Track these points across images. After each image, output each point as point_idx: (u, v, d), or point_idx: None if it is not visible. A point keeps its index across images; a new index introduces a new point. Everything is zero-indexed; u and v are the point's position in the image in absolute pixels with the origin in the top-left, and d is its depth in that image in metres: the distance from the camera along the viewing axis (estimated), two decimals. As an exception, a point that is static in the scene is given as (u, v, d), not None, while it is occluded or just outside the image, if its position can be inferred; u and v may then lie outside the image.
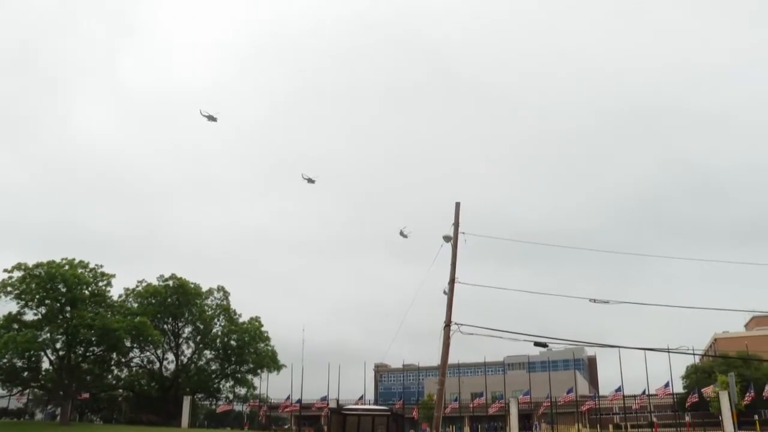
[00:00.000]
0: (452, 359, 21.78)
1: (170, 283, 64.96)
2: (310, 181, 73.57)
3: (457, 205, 21.61)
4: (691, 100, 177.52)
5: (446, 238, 20.47)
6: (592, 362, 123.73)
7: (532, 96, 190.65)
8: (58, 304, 50.76)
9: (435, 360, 20.91)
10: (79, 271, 52.13)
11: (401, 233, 61.64)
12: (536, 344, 19.88)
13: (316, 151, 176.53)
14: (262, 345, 66.40)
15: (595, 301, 20.41)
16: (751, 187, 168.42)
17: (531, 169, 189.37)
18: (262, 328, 66.99)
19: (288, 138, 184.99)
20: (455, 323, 19.31)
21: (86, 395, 63.92)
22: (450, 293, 19.96)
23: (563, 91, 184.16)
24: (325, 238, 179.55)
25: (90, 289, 52.75)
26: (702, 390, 59.69)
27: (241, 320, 67.26)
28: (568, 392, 66.92)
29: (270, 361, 65.58)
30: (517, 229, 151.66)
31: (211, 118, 66.27)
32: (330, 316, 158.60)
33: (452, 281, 20.12)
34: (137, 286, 64.89)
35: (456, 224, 20.95)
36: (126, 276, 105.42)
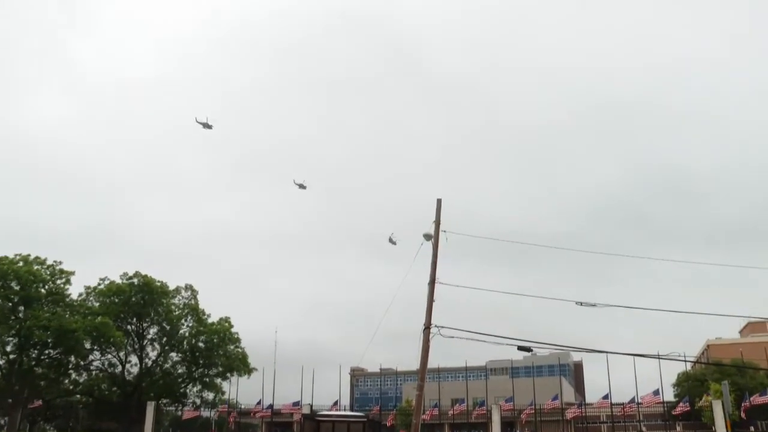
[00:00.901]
0: (432, 363, 22.01)
1: (135, 281, 64.28)
2: (302, 186, 75.97)
3: (439, 201, 21.82)
4: (670, 96, 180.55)
5: (427, 237, 20.68)
6: (578, 368, 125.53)
7: (509, 91, 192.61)
8: (10, 304, 49.90)
9: (414, 364, 21.13)
10: (35, 267, 51.35)
11: (390, 240, 62.01)
12: (520, 348, 20.14)
13: (285, 143, 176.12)
14: (232, 347, 66.16)
15: (581, 304, 20.70)
16: (732, 187, 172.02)
17: (506, 166, 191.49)
18: (232, 329, 66.75)
19: (255, 129, 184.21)
20: (435, 326, 19.53)
21: (39, 402, 62.93)
22: (430, 294, 20.16)
23: (540, 86, 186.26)
24: (297, 234, 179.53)
25: (47, 287, 51.97)
26: (694, 399, 59.93)
27: (209, 321, 66.87)
28: (553, 399, 67.84)
29: (240, 364, 65.39)
30: (493, 230, 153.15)
31: (207, 126, 68.77)
32: (303, 317, 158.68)
33: (432, 282, 20.32)
34: (99, 284, 64.09)
35: (437, 222, 21.15)
36: (87, 274, 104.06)
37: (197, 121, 68.84)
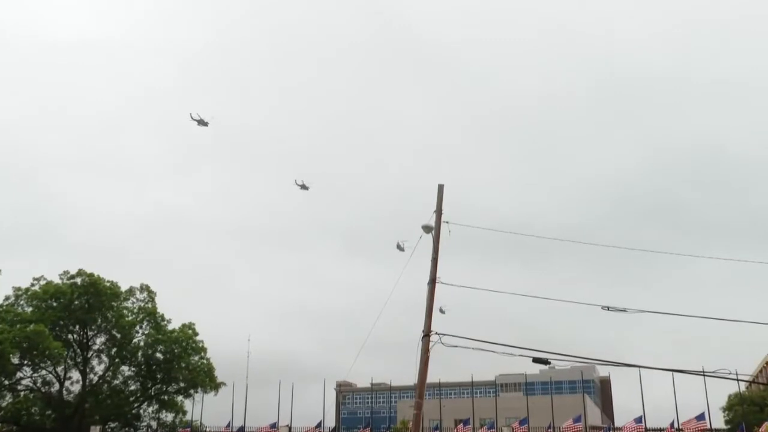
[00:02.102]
0: (432, 377, 22.35)
1: (78, 280, 64.20)
2: (303, 187, 78.34)
3: (440, 188, 22.01)
4: (701, 66, 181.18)
5: (426, 229, 20.91)
6: (605, 384, 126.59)
7: (513, 65, 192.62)
8: None
9: (410, 378, 21.41)
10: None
11: (398, 247, 62.98)
12: (536, 360, 20.44)
13: (253, 122, 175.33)
14: (196, 358, 66.47)
15: (609, 308, 20.87)
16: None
17: (509, 152, 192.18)
18: (197, 338, 67.03)
19: (218, 105, 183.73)
20: (436, 333, 19.77)
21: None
22: (430, 296, 20.40)
23: (545, 60, 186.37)
24: (267, 227, 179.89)
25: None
26: (751, 426, 58.31)
27: (169, 327, 67.11)
28: (576, 421, 68.46)
29: (206, 379, 65.70)
30: (495, 224, 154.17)
31: (202, 123, 70.56)
32: (278, 323, 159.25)
33: (433, 281, 20.55)
34: (33, 285, 63.96)
35: (438, 211, 21.35)
36: (16, 273, 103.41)
37: (192, 118, 70.15)
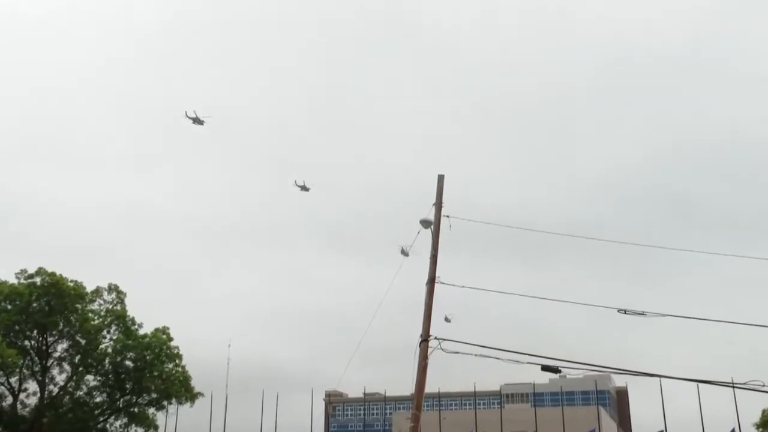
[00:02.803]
0: (431, 386, 22.49)
1: (37, 280, 63.87)
2: (304, 188, 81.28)
3: (440, 178, 22.11)
4: (725, 48, 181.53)
5: (425, 223, 21.02)
6: (621, 395, 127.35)
7: (516, 51, 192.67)
8: None
9: (407, 387, 21.52)
10: None
11: (403, 252, 63.84)
12: (545, 369, 20.54)
13: (228, 108, 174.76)
14: (171, 366, 66.42)
15: (626, 311, 21.02)
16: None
17: (512, 143, 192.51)
18: (171, 343, 66.98)
19: (184, 87, 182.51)
20: (435, 338, 19.89)
21: None
22: (428, 297, 20.51)
23: (547, 47, 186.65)
24: (248, 223, 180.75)
25: None
26: None
27: (141, 332, 67.05)
28: (589, 435, 69.00)
29: (181, 389, 65.68)
30: (498, 218, 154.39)
31: (198, 121, 71.97)
32: (261, 327, 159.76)
33: (432, 280, 20.66)
34: (-18, 286, 63.80)
35: (438, 204, 21.45)
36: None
37: (186, 116, 71.46)
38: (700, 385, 46.08)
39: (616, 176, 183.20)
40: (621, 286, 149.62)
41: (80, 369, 66.19)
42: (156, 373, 65.52)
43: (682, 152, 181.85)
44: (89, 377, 66.62)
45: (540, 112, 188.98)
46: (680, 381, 21.44)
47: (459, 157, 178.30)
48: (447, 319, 77.43)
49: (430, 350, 20.06)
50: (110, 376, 66.02)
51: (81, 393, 66.65)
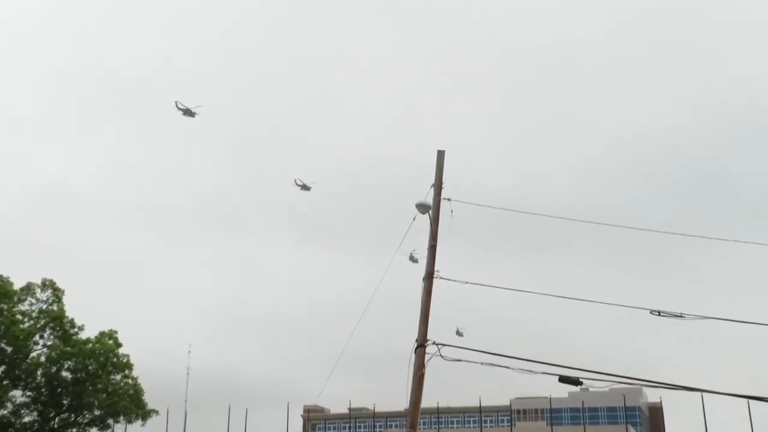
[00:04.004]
0: (428, 400, 22.63)
1: (-50, 275, 64.04)
2: (305, 188, 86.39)
3: (440, 155, 22.18)
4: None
5: (422, 208, 21.08)
6: (654, 412, 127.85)
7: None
8: None
9: (399, 402, 21.65)
10: None
11: (411, 258, 64.21)
12: (563, 380, 20.68)
13: (169, 71, 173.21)
14: (119, 377, 66.54)
15: (659, 313, 21.18)
16: None
17: (513, 112, 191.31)
18: (120, 350, 67.05)
19: (115, 50, 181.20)
20: (433, 342, 20.00)
21: None
22: (426, 295, 20.61)
23: None
24: (199, 207, 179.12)
25: None
26: None
27: (82, 336, 67.05)
28: (615, 457, 69.58)
29: (131, 405, 65.83)
30: (497, 202, 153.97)
31: (188, 113, 74.27)
32: (225, 331, 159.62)
33: (430, 276, 20.75)
34: None
35: (438, 186, 21.53)
36: None
37: (177, 107, 73.77)
38: (750, 401, 46.08)
39: (639, 151, 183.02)
40: (648, 282, 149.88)
41: (5, 383, 65.65)
42: (100, 386, 65.53)
43: (719, 122, 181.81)
44: (16, 392, 66.16)
45: (543, 76, 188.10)
46: (726, 396, 21.32)
47: (447, 127, 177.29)
48: (459, 333, 78.14)
49: (427, 357, 20.17)
50: (43, 390, 65.81)
51: (5, 412, 65.99)
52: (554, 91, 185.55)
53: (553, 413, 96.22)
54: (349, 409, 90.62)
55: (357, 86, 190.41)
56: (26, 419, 66.38)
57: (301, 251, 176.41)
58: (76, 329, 67.25)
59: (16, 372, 65.46)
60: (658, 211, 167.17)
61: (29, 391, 66.14)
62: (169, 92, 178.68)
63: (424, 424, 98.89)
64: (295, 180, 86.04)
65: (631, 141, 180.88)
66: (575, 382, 20.65)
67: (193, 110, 74.34)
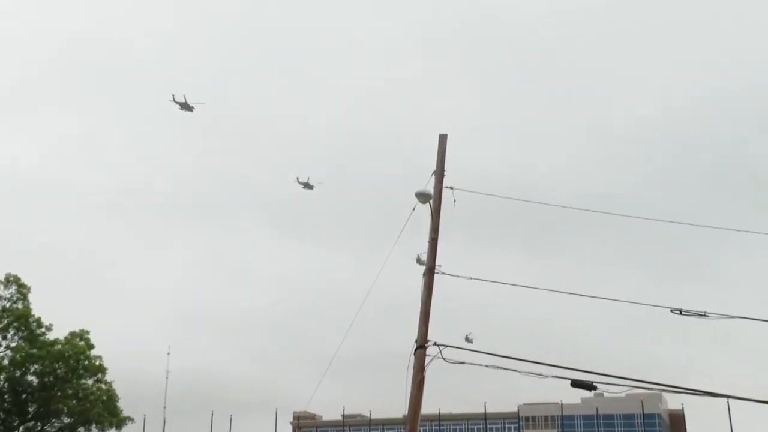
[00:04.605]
0: (429, 406, 22.68)
1: None
2: (307, 186, 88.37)
3: (442, 139, 22.27)
4: None
5: (422, 197, 21.07)
6: (676, 421, 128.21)
7: None
8: None
9: (398, 408, 21.74)
10: None
11: (418, 261, 64.72)
12: (576, 384, 20.72)
13: (131, 40, 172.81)
14: (91, 382, 66.56)
15: (681, 312, 21.15)
16: None
17: (512, 89, 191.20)
18: (92, 352, 67.00)
19: (79, 24, 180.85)
20: (435, 344, 20.04)
21: None
22: (426, 291, 20.63)
23: None
24: (171, 195, 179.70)
25: None
26: None
27: (50, 337, 66.98)
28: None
29: (104, 412, 65.85)
30: (495, 190, 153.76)
31: (186, 107, 75.97)
32: (206, 332, 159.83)
33: (431, 271, 20.79)
34: None
35: (439, 173, 21.53)
36: None
37: (174, 101, 74.81)
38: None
39: (650, 134, 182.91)
40: (663, 278, 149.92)
41: (-38, 389, 65.91)
42: (70, 392, 65.53)
43: (737, 103, 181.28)
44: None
45: (546, 50, 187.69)
46: (754, 403, 21.25)
47: (437, 107, 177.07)
48: (468, 339, 78.22)
49: (428, 359, 20.22)
50: (6, 396, 65.75)
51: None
52: (556, 70, 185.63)
53: (564, 420, 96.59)
54: (343, 416, 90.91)
55: (344, 64, 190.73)
56: (-13, 428, 66.84)
57: (284, 246, 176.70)
58: (43, 329, 67.24)
59: (-23, 376, 65.57)
60: (671, 203, 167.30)
61: (-9, 397, 66.21)
62: (138, 72, 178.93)
63: (425, 431, 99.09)
64: (297, 178, 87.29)
65: (641, 124, 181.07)
66: (589, 386, 20.72)
67: (191, 105, 76.00)
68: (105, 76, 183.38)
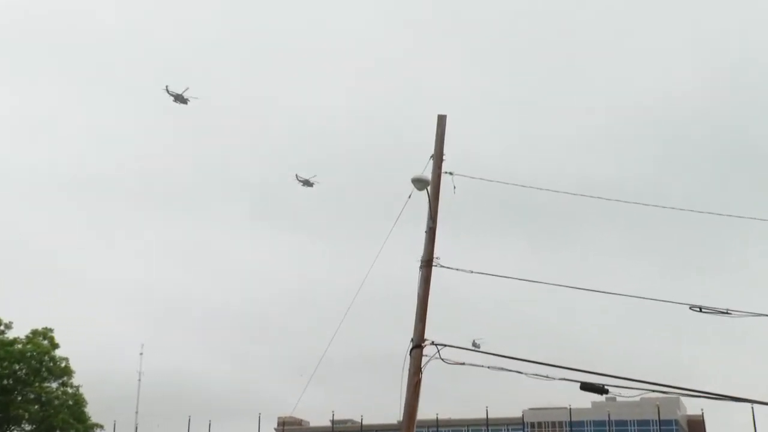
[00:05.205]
0: (426, 411, 22.76)
1: None
2: (307, 183, 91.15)
3: (441, 120, 22.35)
4: None
5: (419, 183, 21.08)
6: (695, 427, 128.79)
7: None
8: None
9: (391, 413, 21.80)
10: None
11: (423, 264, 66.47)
12: (585, 387, 20.84)
13: (88, 14, 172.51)
14: (56, 386, 66.61)
15: (701, 309, 21.18)
16: None
17: (510, 69, 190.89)
18: (57, 353, 66.99)
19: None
20: (432, 342, 20.10)
21: None
22: (424, 286, 20.70)
23: None
24: (136, 180, 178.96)
25: None
26: None
27: (9, 336, 66.97)
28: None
29: (69, 418, 65.93)
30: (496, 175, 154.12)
31: (180, 99, 77.90)
32: (180, 329, 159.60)
33: (428, 263, 20.85)
34: None
35: (438, 156, 21.58)
36: None
37: (168, 92, 77.42)
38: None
39: (663, 115, 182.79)
40: (678, 271, 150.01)
41: None
42: (32, 396, 65.58)
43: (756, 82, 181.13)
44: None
45: (547, 21, 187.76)
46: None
47: (431, 86, 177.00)
48: (475, 344, 78.35)
49: (424, 360, 20.28)
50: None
51: None
52: (559, 43, 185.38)
53: (573, 427, 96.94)
54: (332, 422, 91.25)
55: (323, 35, 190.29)
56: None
57: (265, 237, 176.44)
58: (2, 327, 67.26)
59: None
60: (688, 189, 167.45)
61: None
62: (103, 49, 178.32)
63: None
64: (296, 175, 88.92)
65: (651, 105, 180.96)
66: (600, 390, 20.81)
67: (186, 96, 77.45)
68: (64, 52, 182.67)
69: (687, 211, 29.91)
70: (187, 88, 78.54)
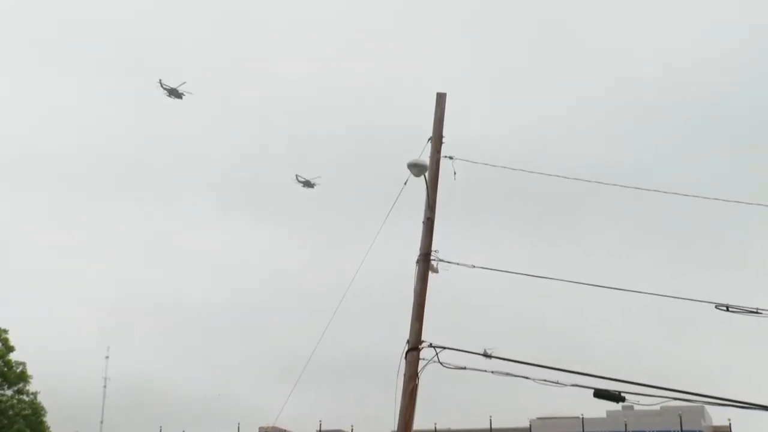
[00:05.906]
0: (423, 421, 22.95)
1: None
2: (307, 185, 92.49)
3: (440, 99, 22.43)
4: None
5: (416, 169, 21.14)
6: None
7: None
8: None
9: (385, 422, 21.97)
10: None
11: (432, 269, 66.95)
12: (599, 395, 21.03)
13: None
14: (11, 393, 66.80)
15: (727, 308, 21.39)
16: None
17: (507, 41, 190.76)
18: (12, 356, 67.17)
19: None
20: (430, 345, 20.22)
21: None
22: (421, 282, 20.83)
23: None
24: (95, 163, 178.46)
25: None
26: None
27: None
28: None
29: (27, 428, 66.09)
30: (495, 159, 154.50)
31: (175, 94, 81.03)
32: (147, 329, 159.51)
33: (426, 257, 20.96)
34: None
35: (437, 139, 21.67)
36: None
37: (162, 86, 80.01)
38: None
39: (675, 93, 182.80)
40: (695, 265, 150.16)
41: None
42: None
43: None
44: None
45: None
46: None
47: (421, 60, 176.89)
48: (487, 355, 78.16)
49: (421, 364, 20.40)
50: None
51: None
52: (561, 17, 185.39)
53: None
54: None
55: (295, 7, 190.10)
56: None
57: (239, 228, 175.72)
58: (-50, 328, 67.44)
59: None
60: (710, 173, 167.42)
61: None
62: (55, 17, 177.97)
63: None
64: (296, 176, 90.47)
65: (665, 81, 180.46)
66: (616, 397, 20.95)
67: (180, 91, 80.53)
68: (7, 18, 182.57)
69: (710, 200, 29.86)
70: (183, 83, 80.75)
